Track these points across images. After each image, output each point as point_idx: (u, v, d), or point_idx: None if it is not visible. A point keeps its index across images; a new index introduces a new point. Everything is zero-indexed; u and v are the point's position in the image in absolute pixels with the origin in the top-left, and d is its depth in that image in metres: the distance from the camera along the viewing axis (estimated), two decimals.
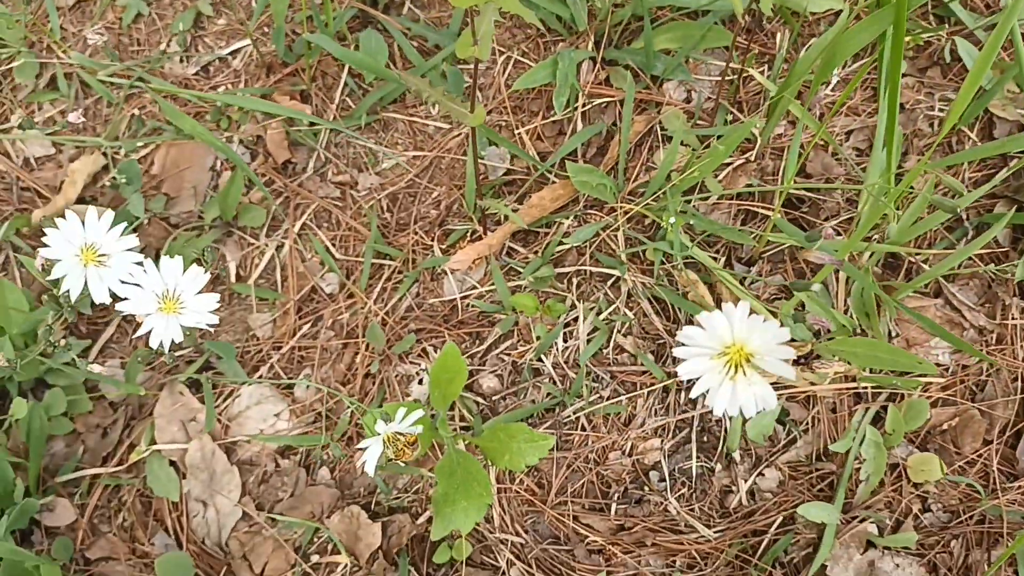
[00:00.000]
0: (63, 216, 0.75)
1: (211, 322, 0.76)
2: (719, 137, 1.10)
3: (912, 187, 1.06)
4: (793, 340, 1.03)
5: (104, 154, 1.24)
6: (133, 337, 1.16)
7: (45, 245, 0.73)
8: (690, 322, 1.07)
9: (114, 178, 1.15)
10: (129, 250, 0.75)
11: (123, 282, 0.75)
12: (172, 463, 1.09)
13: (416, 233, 1.17)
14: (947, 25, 1.19)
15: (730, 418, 1.01)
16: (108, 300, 0.74)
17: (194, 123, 1.05)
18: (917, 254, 1.07)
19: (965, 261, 1.08)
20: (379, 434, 0.76)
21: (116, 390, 1.12)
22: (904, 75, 1.19)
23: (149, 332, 0.75)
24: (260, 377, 1.13)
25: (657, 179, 1.07)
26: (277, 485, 1.09)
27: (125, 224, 0.75)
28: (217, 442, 1.10)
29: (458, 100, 0.90)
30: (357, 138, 1.22)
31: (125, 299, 0.74)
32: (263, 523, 1.06)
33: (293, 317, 1.15)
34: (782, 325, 0.63)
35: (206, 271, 0.76)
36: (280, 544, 1.05)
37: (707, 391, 0.64)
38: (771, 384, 1.03)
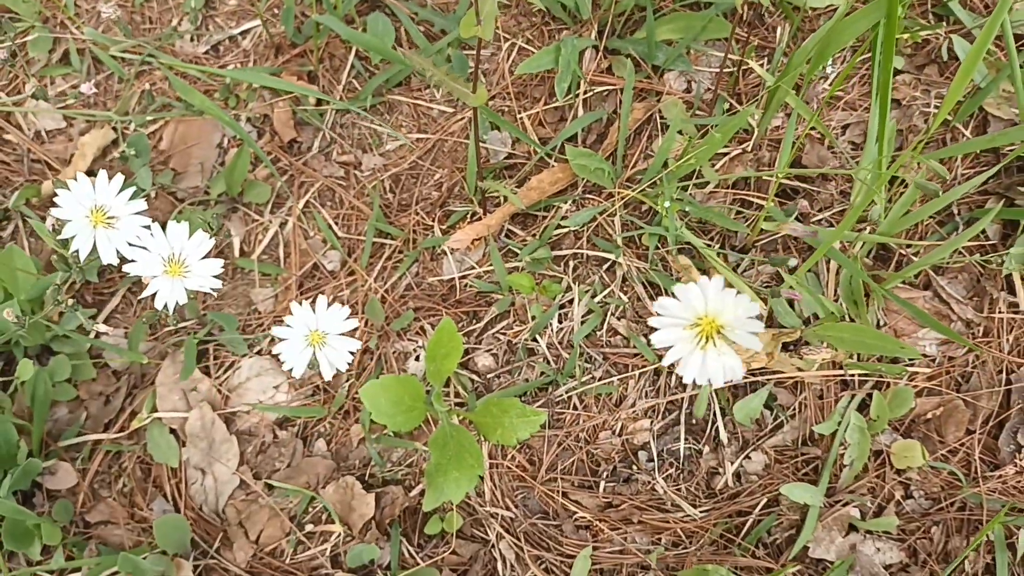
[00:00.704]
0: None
1: (215, 286, 0.78)
2: (716, 126, 1.12)
3: (904, 181, 1.08)
4: (783, 327, 1.05)
5: (114, 128, 1.26)
6: (137, 307, 1.18)
7: (57, 206, 0.76)
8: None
9: (123, 152, 1.18)
10: (137, 214, 0.77)
11: (131, 245, 0.77)
12: (172, 431, 1.12)
13: (417, 214, 1.19)
14: (945, 24, 1.21)
15: (699, 386, 1.03)
16: (116, 261, 0.76)
17: (203, 98, 1.07)
18: (908, 246, 1.09)
19: (955, 255, 1.10)
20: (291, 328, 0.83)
21: (120, 359, 1.14)
22: (901, 72, 1.21)
23: (154, 294, 0.77)
24: (260, 351, 1.16)
25: (654, 165, 1.09)
26: (274, 456, 1.11)
27: (134, 188, 0.77)
28: (217, 412, 1.12)
29: (461, 81, 0.92)
30: (363, 117, 1.24)
31: (132, 261, 0.77)
32: (260, 491, 1.09)
33: (295, 292, 1.17)
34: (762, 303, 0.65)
35: (211, 237, 0.78)
36: (276, 512, 1.08)
37: (678, 360, 0.66)
38: (759, 371, 1.05)
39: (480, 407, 1.01)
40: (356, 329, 0.92)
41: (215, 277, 0.79)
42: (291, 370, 0.90)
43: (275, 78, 1.21)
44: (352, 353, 0.92)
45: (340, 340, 0.91)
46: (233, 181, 1.15)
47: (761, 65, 1.19)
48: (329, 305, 0.90)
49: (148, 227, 0.78)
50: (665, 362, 0.67)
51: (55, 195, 0.76)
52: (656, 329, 0.67)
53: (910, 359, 1.06)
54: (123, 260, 0.77)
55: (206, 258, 0.79)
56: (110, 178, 0.77)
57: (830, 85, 1.20)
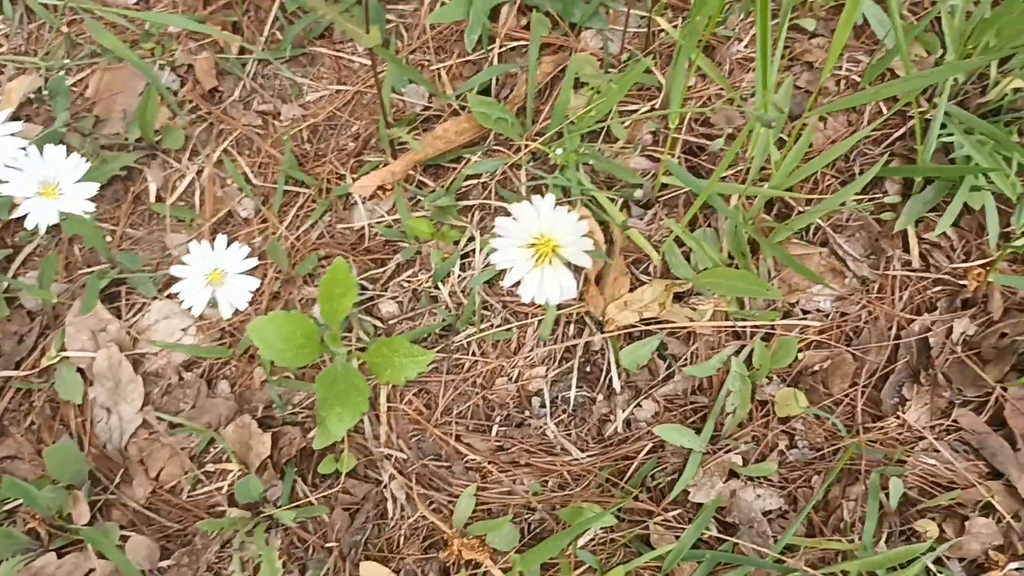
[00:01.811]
0: None
1: (88, 209, 0.79)
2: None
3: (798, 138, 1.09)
4: (676, 278, 1.07)
5: (42, 75, 1.27)
6: (54, 250, 1.20)
7: None
8: None
9: (42, 93, 1.19)
10: (13, 135, 0.79)
11: (7, 166, 0.79)
12: (80, 371, 1.13)
13: (332, 163, 1.20)
14: None
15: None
16: None
17: (115, 40, 1.08)
18: (808, 203, 1.10)
19: (852, 216, 1.12)
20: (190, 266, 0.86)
21: (34, 301, 1.16)
22: (815, 35, 1.23)
23: (26, 215, 0.79)
24: (170, 294, 1.17)
25: (556, 116, 1.11)
26: (179, 397, 1.13)
27: (9, 112, 0.79)
28: (125, 353, 1.14)
29: (355, 21, 0.94)
30: (284, 68, 1.25)
31: (5, 183, 0.78)
32: (162, 431, 1.10)
33: (208, 238, 1.19)
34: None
35: (86, 161, 0.80)
36: (176, 452, 1.09)
37: (519, 280, 0.68)
38: (652, 320, 1.07)
39: (372, 347, 1.02)
40: (257, 267, 0.94)
41: (89, 200, 0.80)
42: (191, 308, 0.92)
43: (197, 23, 1.22)
44: (251, 292, 0.93)
45: (240, 279, 0.93)
46: (146, 123, 1.16)
47: (674, 26, 1.20)
48: (228, 244, 0.92)
49: (24, 149, 0.79)
50: (506, 283, 0.69)
51: None
52: (495, 250, 0.68)
53: (803, 313, 1.07)
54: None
55: (81, 182, 0.80)
56: (34, 124, 0.79)
57: (745, 47, 1.21)
